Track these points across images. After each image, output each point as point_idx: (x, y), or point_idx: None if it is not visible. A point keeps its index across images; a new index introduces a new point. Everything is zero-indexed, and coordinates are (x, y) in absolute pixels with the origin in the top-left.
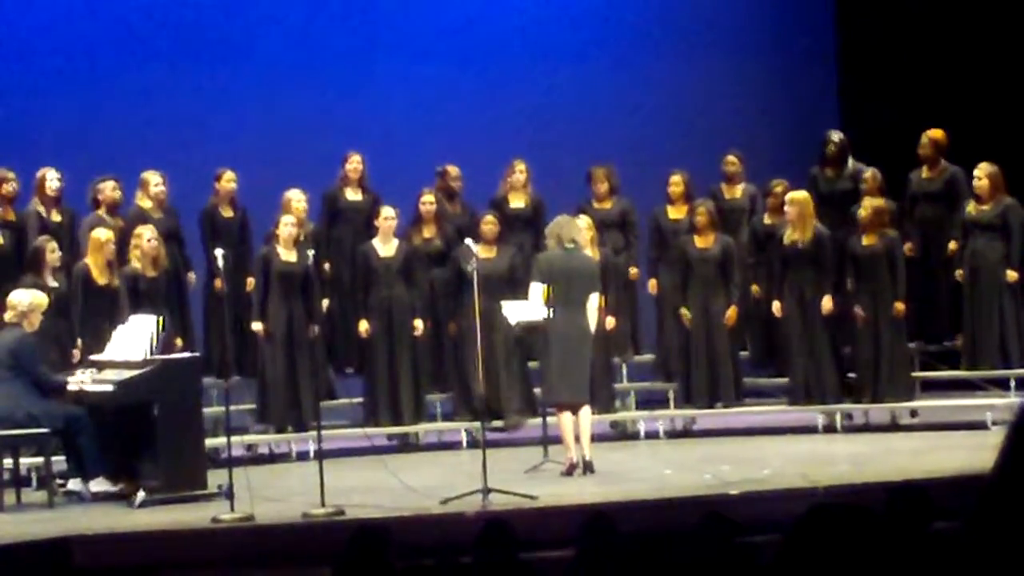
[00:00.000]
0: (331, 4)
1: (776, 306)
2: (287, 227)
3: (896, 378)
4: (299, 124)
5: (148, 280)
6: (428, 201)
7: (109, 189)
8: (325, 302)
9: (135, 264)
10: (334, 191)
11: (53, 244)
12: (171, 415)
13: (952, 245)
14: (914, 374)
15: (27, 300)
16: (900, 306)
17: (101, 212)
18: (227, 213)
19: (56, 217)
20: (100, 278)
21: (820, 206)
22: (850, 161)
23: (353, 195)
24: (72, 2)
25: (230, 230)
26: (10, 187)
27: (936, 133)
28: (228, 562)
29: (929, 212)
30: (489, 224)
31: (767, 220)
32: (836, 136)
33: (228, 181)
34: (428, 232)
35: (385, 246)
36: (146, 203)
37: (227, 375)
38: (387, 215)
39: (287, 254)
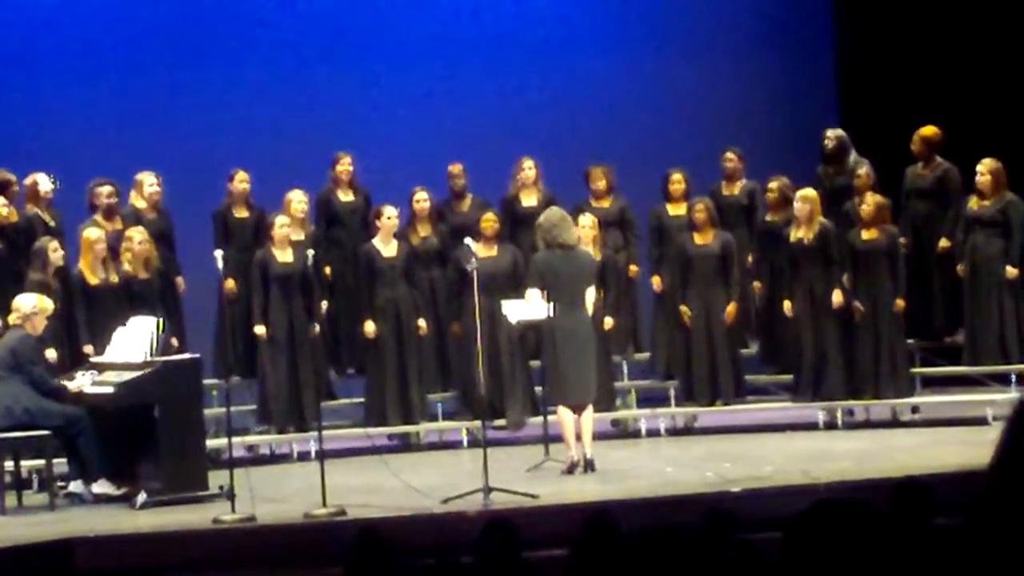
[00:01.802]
0: (332, 4)
1: (787, 305)
2: (281, 228)
3: (896, 374)
4: (299, 125)
5: (140, 282)
6: (421, 199)
7: (105, 195)
8: (324, 304)
9: (126, 266)
10: (326, 193)
11: (55, 243)
12: (172, 416)
13: (943, 242)
14: (915, 370)
15: (31, 304)
16: (901, 302)
17: (98, 218)
18: (241, 214)
19: (51, 221)
20: (92, 278)
21: (824, 203)
22: (853, 156)
23: (345, 196)
24: (70, 5)
25: (243, 231)
26: (15, 189)
27: (927, 131)
28: (230, 563)
29: (921, 208)
30: (489, 222)
31: (768, 218)
32: (832, 133)
33: (241, 182)
34: (424, 231)
35: (387, 246)
36: (140, 203)
37: (227, 376)
38: (389, 215)
39: (283, 255)
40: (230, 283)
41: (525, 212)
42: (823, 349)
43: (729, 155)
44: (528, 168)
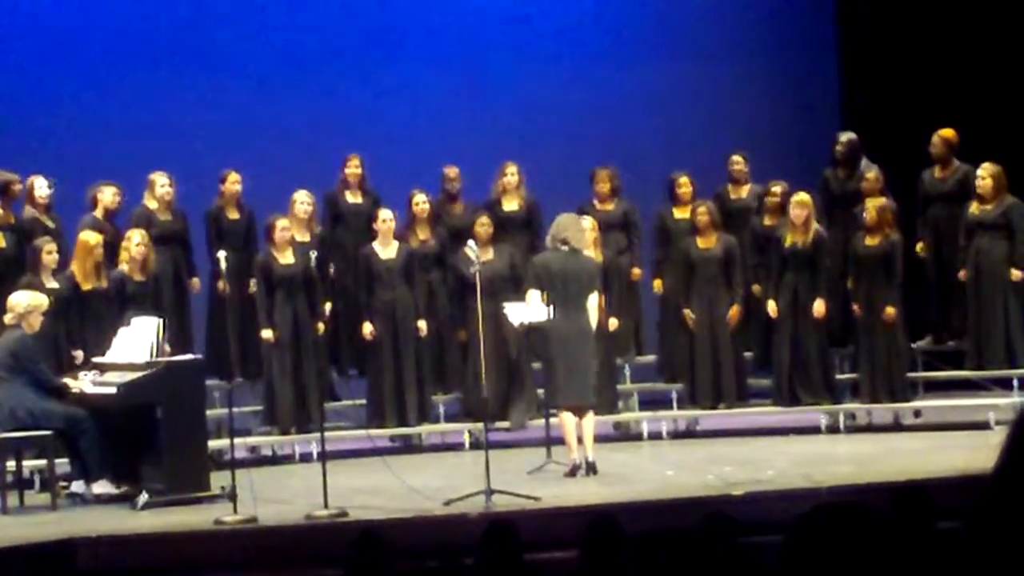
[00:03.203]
0: (331, 6)
1: (771, 306)
2: (282, 231)
3: (894, 379)
4: (299, 126)
5: (135, 284)
6: (420, 202)
7: (110, 194)
8: (328, 305)
9: (123, 268)
10: (334, 194)
11: (51, 246)
12: (174, 417)
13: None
14: (917, 374)
15: (26, 301)
16: (891, 310)
17: (98, 214)
18: (233, 215)
19: (50, 223)
20: (84, 283)
21: (832, 207)
22: (863, 161)
23: (353, 198)
24: (70, 5)
25: (235, 232)
26: (17, 188)
27: (947, 132)
28: (231, 564)
29: (942, 212)
30: (483, 225)
31: (767, 221)
32: (845, 137)
33: (233, 183)
34: (423, 234)
35: (386, 249)
36: (153, 204)
37: (230, 377)
38: (385, 217)
39: (284, 257)
40: (221, 284)
41: (506, 217)
42: (801, 355)
43: (736, 159)
44: (511, 173)
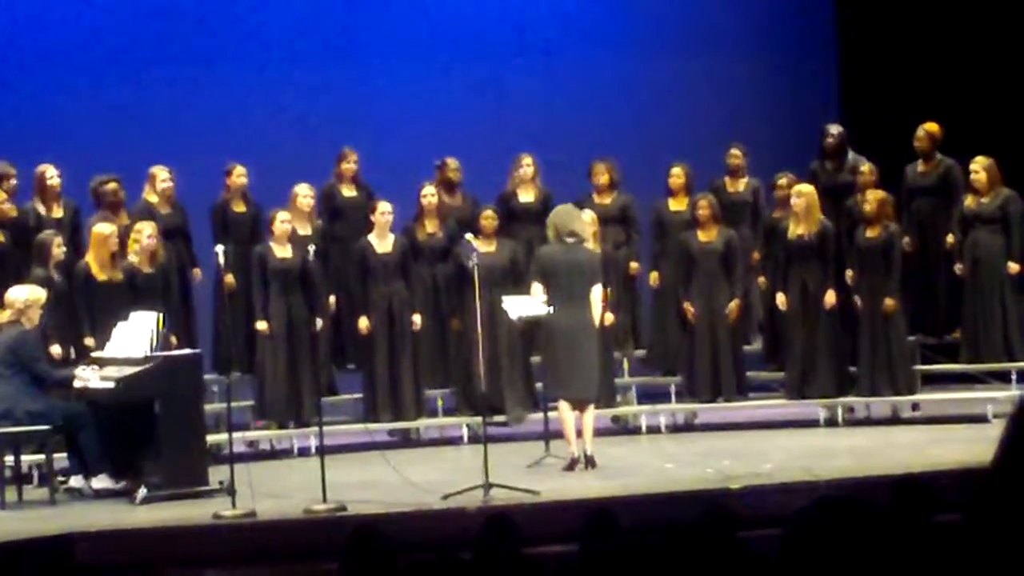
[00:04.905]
0: (335, 1)
1: (780, 299)
2: (281, 224)
3: (896, 371)
4: (300, 120)
5: (144, 276)
6: (429, 194)
7: (113, 188)
8: (332, 299)
9: (132, 259)
10: (330, 188)
11: (59, 239)
12: (173, 411)
13: (950, 238)
14: (915, 367)
15: (24, 296)
16: (891, 302)
17: (106, 209)
18: (239, 208)
19: (57, 213)
20: (100, 274)
21: (821, 199)
22: (850, 154)
23: (349, 191)
24: (72, 1)
25: (241, 226)
26: (12, 183)
27: (931, 126)
28: (230, 558)
29: (925, 206)
30: (488, 219)
31: (776, 214)
32: (834, 129)
33: (239, 176)
34: (431, 226)
35: (382, 242)
36: (153, 198)
37: (228, 371)
38: (383, 210)
39: (281, 250)
40: (229, 278)
41: (522, 208)
42: (814, 347)
43: (734, 151)
44: (527, 165)
